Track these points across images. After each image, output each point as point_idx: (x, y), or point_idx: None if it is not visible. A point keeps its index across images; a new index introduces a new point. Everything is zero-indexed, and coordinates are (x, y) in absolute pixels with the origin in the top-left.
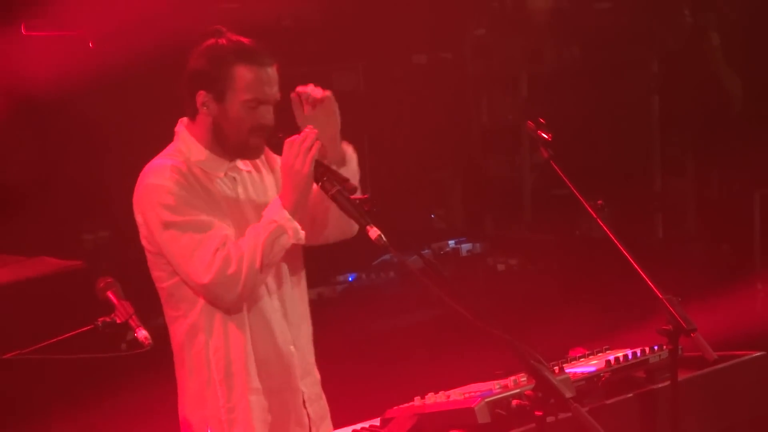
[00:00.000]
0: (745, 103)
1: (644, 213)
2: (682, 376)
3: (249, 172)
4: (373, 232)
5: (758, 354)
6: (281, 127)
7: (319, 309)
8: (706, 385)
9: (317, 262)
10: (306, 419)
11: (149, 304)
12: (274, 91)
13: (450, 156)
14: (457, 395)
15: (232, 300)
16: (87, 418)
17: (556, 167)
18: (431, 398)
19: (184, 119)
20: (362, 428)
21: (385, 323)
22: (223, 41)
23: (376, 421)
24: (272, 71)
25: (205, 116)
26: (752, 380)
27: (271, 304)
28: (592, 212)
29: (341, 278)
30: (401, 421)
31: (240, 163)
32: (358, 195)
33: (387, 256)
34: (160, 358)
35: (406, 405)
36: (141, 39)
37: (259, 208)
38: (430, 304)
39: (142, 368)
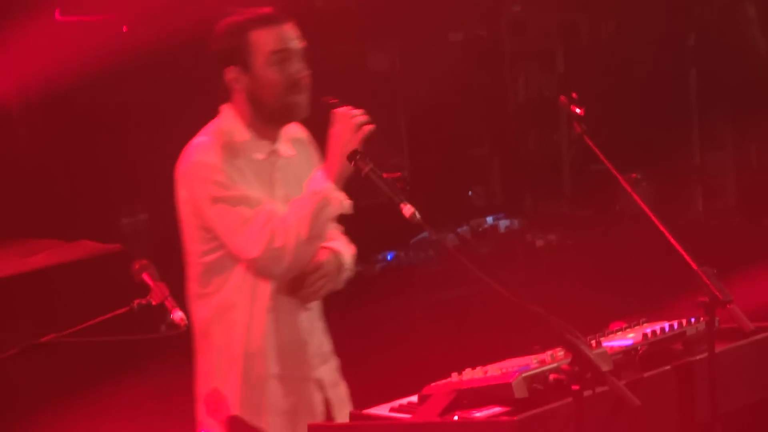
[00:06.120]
0: None
1: (684, 187)
2: (719, 348)
3: (289, 156)
4: (407, 209)
5: None
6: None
7: (357, 287)
8: (743, 356)
9: (356, 241)
10: (322, 406)
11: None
12: (295, 43)
13: (487, 133)
14: (494, 371)
15: (281, 272)
16: (125, 399)
17: (588, 141)
18: (468, 374)
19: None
20: (400, 405)
21: (424, 301)
22: (232, 18)
23: (414, 398)
24: (288, 26)
25: (240, 92)
26: None
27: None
28: (627, 186)
29: (380, 256)
30: (439, 398)
31: (282, 147)
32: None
33: (425, 234)
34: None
35: (444, 381)
36: (174, 21)
37: (291, 195)
38: (468, 281)
39: (179, 349)
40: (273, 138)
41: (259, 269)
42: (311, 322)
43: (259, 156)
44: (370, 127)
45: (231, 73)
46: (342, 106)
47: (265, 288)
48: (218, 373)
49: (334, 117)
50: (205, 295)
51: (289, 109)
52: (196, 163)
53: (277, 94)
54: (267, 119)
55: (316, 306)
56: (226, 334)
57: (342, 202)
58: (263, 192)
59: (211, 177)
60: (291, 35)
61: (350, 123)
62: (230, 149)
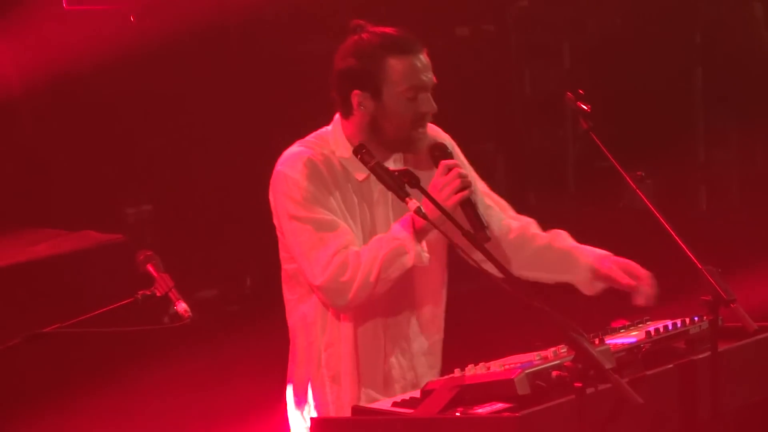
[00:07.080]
0: None
1: (689, 185)
2: (722, 347)
3: None
4: (412, 204)
5: None
6: None
7: None
8: (746, 355)
9: None
10: None
11: (190, 278)
12: (429, 76)
13: (493, 129)
14: (497, 367)
15: (341, 306)
16: (127, 390)
17: (595, 138)
18: (471, 370)
19: (338, 115)
20: (402, 400)
21: None
22: (366, 36)
23: (417, 393)
24: (423, 57)
25: (363, 115)
26: None
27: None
28: (632, 183)
29: None
30: (441, 393)
31: (390, 166)
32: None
33: None
34: (200, 330)
35: (447, 377)
36: (181, 12)
37: (393, 217)
38: (471, 276)
39: (183, 341)
40: (381, 159)
41: (321, 297)
42: (397, 342)
43: (359, 176)
44: (467, 192)
45: (357, 97)
46: (450, 159)
47: (348, 311)
48: (300, 388)
49: (439, 167)
50: (291, 300)
51: (410, 143)
52: (280, 174)
53: (402, 128)
54: (381, 145)
55: (408, 325)
56: (307, 350)
57: (421, 255)
58: (357, 213)
59: (291, 193)
60: (425, 67)
61: (453, 181)
62: (323, 163)
